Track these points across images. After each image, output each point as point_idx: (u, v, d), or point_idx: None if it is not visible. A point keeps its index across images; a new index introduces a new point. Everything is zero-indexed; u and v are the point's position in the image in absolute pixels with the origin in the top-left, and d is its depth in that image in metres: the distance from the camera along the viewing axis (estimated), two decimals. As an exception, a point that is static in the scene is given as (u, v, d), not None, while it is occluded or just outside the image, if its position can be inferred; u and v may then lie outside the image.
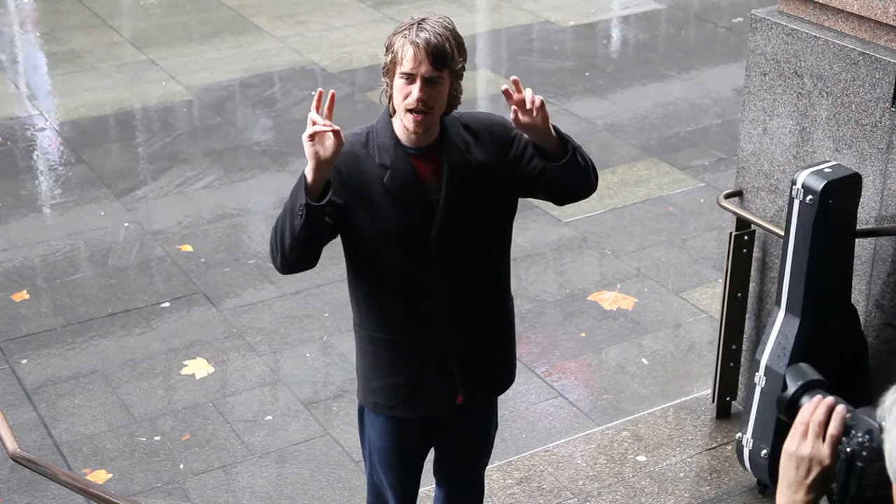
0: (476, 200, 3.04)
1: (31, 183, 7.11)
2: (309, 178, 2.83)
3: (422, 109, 2.89)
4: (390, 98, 2.99)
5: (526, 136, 2.99)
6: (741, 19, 9.58)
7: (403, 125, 2.96)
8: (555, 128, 2.94)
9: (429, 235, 3.01)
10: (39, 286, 5.92)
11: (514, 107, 2.86)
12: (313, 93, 2.90)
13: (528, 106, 2.85)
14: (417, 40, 2.86)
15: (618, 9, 10.16)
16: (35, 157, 7.50)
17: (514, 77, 2.91)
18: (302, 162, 2.74)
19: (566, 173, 2.98)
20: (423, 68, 2.86)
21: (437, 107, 2.93)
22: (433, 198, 3.00)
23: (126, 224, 6.50)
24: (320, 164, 2.81)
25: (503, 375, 3.33)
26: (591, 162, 3.07)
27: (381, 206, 2.98)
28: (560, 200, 3.15)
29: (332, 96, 2.85)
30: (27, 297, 5.81)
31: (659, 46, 9.40)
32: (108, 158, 7.35)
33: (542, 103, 2.86)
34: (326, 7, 10.06)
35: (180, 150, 7.46)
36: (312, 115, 2.82)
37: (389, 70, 2.94)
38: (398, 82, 2.91)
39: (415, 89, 2.87)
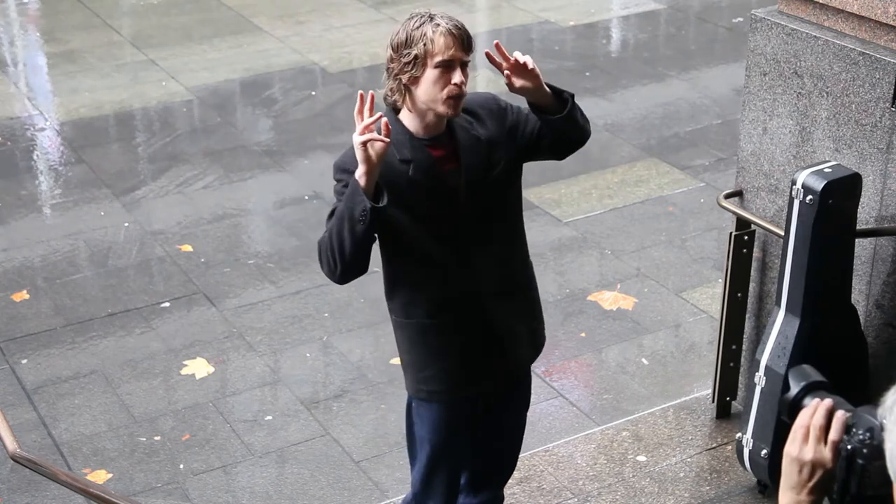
0: (492, 176, 3.15)
1: (31, 183, 7.11)
2: (363, 182, 2.92)
3: (462, 94, 3.01)
4: (404, 94, 3.04)
5: (522, 96, 3.10)
6: (741, 19, 9.58)
7: (440, 112, 3.03)
8: (548, 83, 3.08)
9: (457, 219, 3.12)
10: (39, 286, 5.92)
11: (507, 71, 3.01)
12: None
13: (530, 67, 2.99)
14: (450, 28, 2.98)
15: (618, 9, 10.16)
16: (35, 157, 7.50)
17: (496, 41, 3.07)
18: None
19: (570, 123, 3.12)
20: (460, 54, 2.99)
21: (467, 89, 3.06)
22: (454, 182, 3.11)
23: (126, 224, 6.50)
24: (372, 168, 2.91)
25: (540, 338, 3.45)
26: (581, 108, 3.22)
27: (410, 200, 3.06)
28: (562, 154, 3.27)
29: (372, 97, 2.94)
30: (27, 297, 5.81)
31: (659, 46, 9.40)
32: (108, 158, 7.35)
33: (533, 63, 3.01)
34: (326, 7, 10.06)
35: (180, 150, 7.46)
36: (365, 120, 2.90)
37: (420, 63, 2.97)
38: (432, 73, 2.98)
39: (456, 75, 2.98)
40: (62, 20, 9.87)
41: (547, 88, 3.08)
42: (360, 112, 2.92)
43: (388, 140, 2.89)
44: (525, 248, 3.34)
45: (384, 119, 2.92)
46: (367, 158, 2.89)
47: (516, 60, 3.00)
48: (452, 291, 3.19)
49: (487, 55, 3.05)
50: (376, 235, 3.11)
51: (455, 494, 3.50)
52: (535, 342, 3.42)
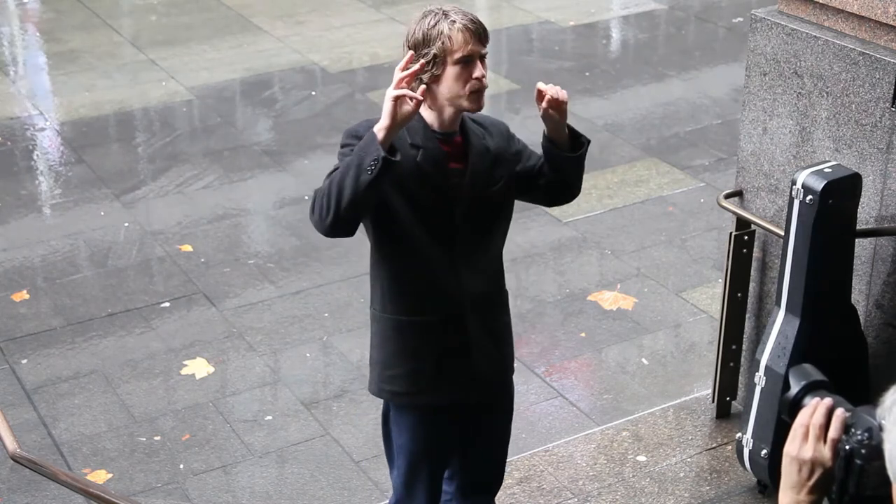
0: (492, 185, 3.16)
1: (31, 183, 7.11)
2: (380, 136, 2.88)
3: (484, 86, 3.02)
4: (426, 90, 3.03)
5: (546, 123, 3.11)
6: (741, 19, 9.58)
7: (464, 107, 3.03)
8: (569, 125, 3.13)
9: (453, 218, 3.12)
10: (39, 286, 5.92)
11: (547, 100, 3.02)
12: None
13: (563, 99, 3.04)
14: (467, 23, 2.98)
15: (618, 9, 10.16)
16: (35, 157, 7.50)
17: (538, 85, 3.06)
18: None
19: (574, 166, 3.17)
20: (478, 47, 3.00)
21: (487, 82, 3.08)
22: (456, 181, 3.11)
23: (126, 224, 6.50)
24: (395, 125, 2.88)
25: (510, 356, 3.43)
26: None
27: (412, 185, 3.05)
28: (553, 199, 3.31)
29: (422, 65, 2.94)
30: (27, 297, 5.81)
31: (659, 46, 9.40)
32: (108, 158, 7.35)
33: (566, 97, 3.06)
34: (326, 7, 10.06)
35: (180, 150, 7.46)
36: (401, 75, 2.89)
37: (440, 62, 2.97)
38: (452, 70, 2.98)
39: (477, 69, 3.00)
40: (62, 20, 9.87)
41: (566, 129, 3.12)
42: (403, 68, 2.89)
43: (421, 99, 2.88)
44: (503, 279, 3.35)
45: (422, 87, 2.93)
46: (393, 115, 2.86)
47: (557, 97, 3.03)
48: (435, 292, 3.17)
49: (538, 92, 3.06)
50: (369, 223, 3.10)
51: (437, 499, 3.47)
52: (505, 362, 3.40)
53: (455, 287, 3.17)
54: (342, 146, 3.07)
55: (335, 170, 2.97)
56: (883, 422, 1.62)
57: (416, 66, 2.91)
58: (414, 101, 2.87)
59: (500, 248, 3.29)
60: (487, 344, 3.27)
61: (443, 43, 2.96)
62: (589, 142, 3.19)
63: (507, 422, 3.51)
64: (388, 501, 3.62)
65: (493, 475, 3.57)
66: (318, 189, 2.99)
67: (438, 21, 2.98)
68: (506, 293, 3.37)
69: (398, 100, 2.85)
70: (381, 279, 3.21)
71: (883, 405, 1.62)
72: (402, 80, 2.87)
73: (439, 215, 3.11)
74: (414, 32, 3.00)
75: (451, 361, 3.23)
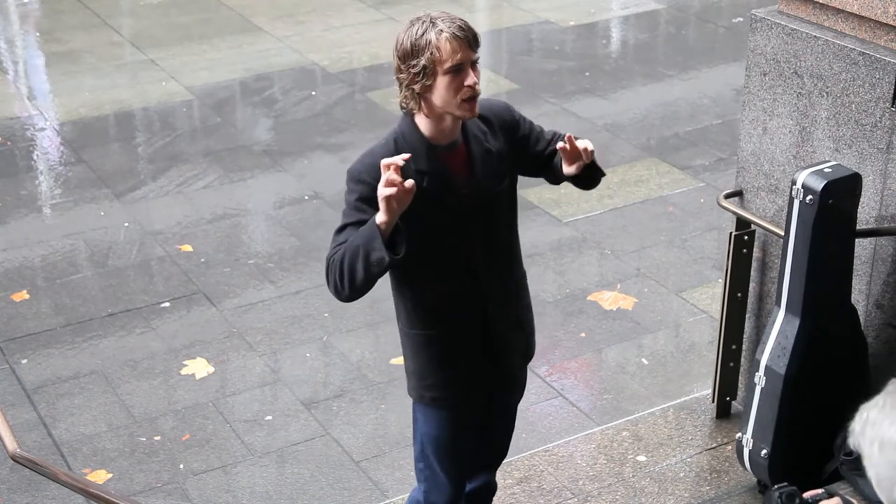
0: (500, 187, 3.17)
1: (31, 183, 7.11)
2: (383, 228, 2.87)
3: (476, 93, 2.98)
4: (419, 101, 2.99)
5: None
6: (741, 19, 9.58)
7: (457, 115, 3.00)
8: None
9: (466, 230, 3.11)
10: (39, 286, 5.92)
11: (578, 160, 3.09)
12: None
13: (584, 158, 3.09)
14: (455, 31, 2.94)
15: (618, 9, 10.16)
16: (35, 157, 7.51)
17: (568, 134, 3.09)
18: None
19: (587, 185, 3.28)
20: (468, 54, 2.96)
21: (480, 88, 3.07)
22: (465, 192, 3.09)
23: (126, 224, 6.50)
24: (394, 217, 2.87)
25: (531, 348, 3.47)
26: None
27: (423, 211, 2.99)
28: (557, 184, 3.37)
29: (406, 158, 2.88)
30: (27, 297, 5.81)
31: (659, 46, 9.40)
32: (108, 158, 7.35)
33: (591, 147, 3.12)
34: (326, 7, 10.06)
35: (180, 150, 7.46)
36: (392, 176, 2.81)
37: (429, 73, 2.92)
38: (443, 80, 2.94)
39: (468, 77, 2.95)
40: (62, 20, 9.87)
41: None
42: (387, 166, 2.82)
43: (413, 184, 2.82)
44: (521, 258, 3.35)
45: (410, 181, 2.84)
46: (390, 210, 2.84)
47: (578, 150, 3.07)
48: (458, 302, 3.19)
49: (562, 150, 3.08)
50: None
51: (462, 490, 3.51)
52: (526, 352, 3.44)
53: (476, 291, 3.18)
54: (349, 190, 3.04)
55: (343, 227, 2.99)
56: (860, 450, 1.59)
57: (400, 161, 2.82)
58: (408, 188, 2.82)
59: (512, 237, 3.29)
60: (513, 332, 3.31)
61: (431, 53, 2.90)
62: (604, 175, 3.25)
63: (517, 402, 3.58)
64: (410, 494, 3.62)
65: (500, 454, 3.66)
66: (331, 259, 3.00)
67: (426, 30, 2.92)
68: (524, 275, 3.37)
69: (390, 197, 2.81)
70: (404, 299, 3.23)
71: (854, 433, 1.59)
72: (389, 177, 2.80)
73: (456, 229, 3.11)
74: (402, 42, 2.95)
75: (482, 361, 3.27)
